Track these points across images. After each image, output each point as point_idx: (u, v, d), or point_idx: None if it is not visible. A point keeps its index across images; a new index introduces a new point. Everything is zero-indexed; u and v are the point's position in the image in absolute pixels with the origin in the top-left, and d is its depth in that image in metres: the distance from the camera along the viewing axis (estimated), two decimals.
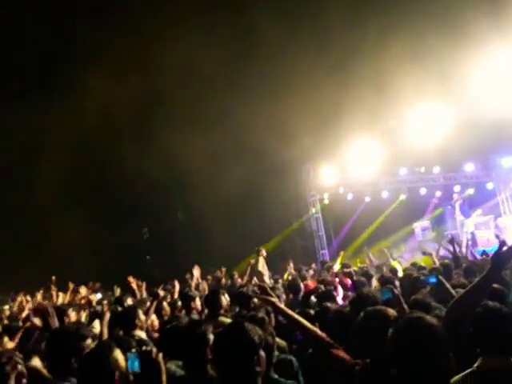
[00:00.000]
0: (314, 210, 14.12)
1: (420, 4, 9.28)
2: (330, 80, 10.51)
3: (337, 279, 5.09)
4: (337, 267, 7.08)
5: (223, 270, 7.23)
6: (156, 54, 11.20)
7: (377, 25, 9.77)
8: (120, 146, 11.99)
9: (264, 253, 7.39)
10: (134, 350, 2.09)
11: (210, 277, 7.63)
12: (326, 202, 14.30)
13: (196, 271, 6.02)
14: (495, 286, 3.37)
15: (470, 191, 15.01)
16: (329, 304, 3.31)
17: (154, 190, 13.25)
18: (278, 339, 3.32)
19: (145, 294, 6.60)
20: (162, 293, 5.15)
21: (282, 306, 2.84)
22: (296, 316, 2.65)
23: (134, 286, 5.11)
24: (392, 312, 2.23)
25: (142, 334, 3.59)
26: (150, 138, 12.56)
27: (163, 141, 11.83)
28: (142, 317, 3.76)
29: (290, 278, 6.30)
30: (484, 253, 7.20)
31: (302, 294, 4.87)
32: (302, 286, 5.11)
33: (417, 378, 1.58)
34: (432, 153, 12.44)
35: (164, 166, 12.38)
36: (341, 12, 9.85)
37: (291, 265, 7.60)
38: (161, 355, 1.90)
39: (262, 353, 1.92)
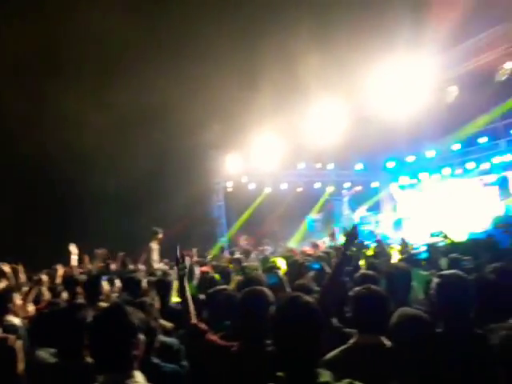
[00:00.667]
0: (217, 198, 14.24)
1: (323, 7, 9.74)
2: (241, 72, 10.62)
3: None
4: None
5: (114, 254, 6.79)
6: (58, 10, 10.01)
7: (283, 22, 10.05)
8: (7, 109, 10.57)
9: (160, 235, 7.13)
10: None
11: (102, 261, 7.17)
12: (230, 190, 14.50)
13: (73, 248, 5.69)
14: (369, 272, 3.78)
15: (358, 189, 16.52)
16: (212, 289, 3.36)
17: (48, 163, 11.94)
18: (165, 322, 3.30)
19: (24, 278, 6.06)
20: (44, 277, 4.75)
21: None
22: (188, 301, 2.67)
23: (6, 269, 4.62)
24: (269, 293, 2.34)
25: (15, 320, 3.28)
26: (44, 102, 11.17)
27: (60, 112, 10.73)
28: (18, 302, 3.46)
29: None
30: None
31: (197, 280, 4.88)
32: (198, 271, 5.15)
33: (293, 353, 1.65)
34: (327, 150, 13.32)
35: (60, 137, 11.24)
36: (248, 6, 9.95)
37: (194, 251, 7.45)
38: (19, 342, 1.75)
39: (141, 336, 1.88)
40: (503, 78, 9.14)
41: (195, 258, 7.24)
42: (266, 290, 2.37)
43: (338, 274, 2.76)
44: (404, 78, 9.67)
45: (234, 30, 10.70)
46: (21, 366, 1.75)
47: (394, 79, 9.83)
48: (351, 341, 2.31)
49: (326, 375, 1.62)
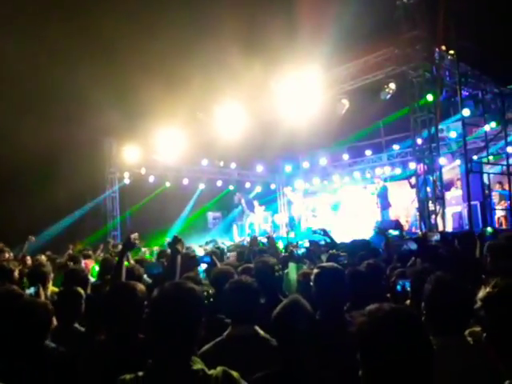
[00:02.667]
0: (111, 189, 13.50)
1: (227, 13, 9.90)
2: (149, 61, 10.25)
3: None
4: None
5: None
6: None
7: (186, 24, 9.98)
8: None
9: (32, 239, 6.55)
10: None
11: None
12: (126, 181, 13.84)
13: None
14: (250, 265, 3.97)
15: (258, 189, 17.10)
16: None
17: None
18: None
19: None
20: None
21: None
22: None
23: None
24: (140, 286, 2.28)
25: None
26: None
27: None
28: None
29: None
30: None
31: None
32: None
33: (167, 339, 1.59)
34: (231, 149, 13.56)
35: None
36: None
37: (71, 246, 6.93)
38: None
39: None
40: (387, 97, 10.30)
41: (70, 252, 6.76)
42: (139, 285, 2.29)
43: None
44: (302, 89, 10.32)
45: (143, 20, 10.28)
46: None
47: (294, 89, 10.44)
48: (225, 333, 2.33)
49: (199, 363, 1.60)
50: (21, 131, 10.13)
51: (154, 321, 1.66)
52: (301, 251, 4.91)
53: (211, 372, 1.57)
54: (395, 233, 5.51)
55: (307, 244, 5.00)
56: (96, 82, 9.94)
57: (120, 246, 7.31)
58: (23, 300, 1.77)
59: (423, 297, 2.05)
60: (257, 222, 15.33)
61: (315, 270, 2.66)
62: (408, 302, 2.84)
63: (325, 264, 2.79)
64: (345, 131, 13.10)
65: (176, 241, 2.78)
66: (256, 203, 15.92)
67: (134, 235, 2.94)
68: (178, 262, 2.75)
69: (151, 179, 14.48)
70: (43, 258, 5.51)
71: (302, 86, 10.33)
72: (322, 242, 5.36)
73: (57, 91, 10.09)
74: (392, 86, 10.29)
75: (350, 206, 15.02)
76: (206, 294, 2.63)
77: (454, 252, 4.38)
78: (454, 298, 1.95)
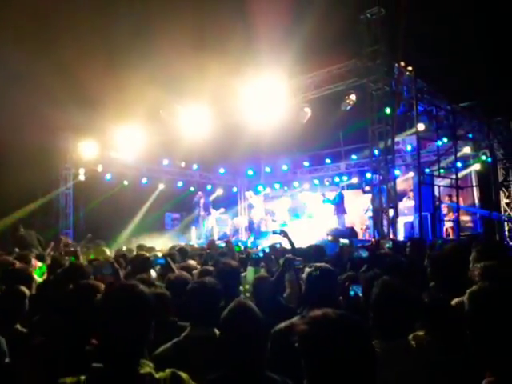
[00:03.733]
0: (65, 185, 12.97)
1: (193, 11, 9.85)
2: (110, 55, 9.96)
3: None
4: None
5: None
6: None
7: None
8: None
9: None
10: None
11: None
12: (81, 178, 13.34)
13: None
14: (209, 268, 3.95)
15: (219, 191, 17.03)
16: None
17: None
18: None
19: None
20: None
21: None
22: None
23: None
24: (99, 284, 2.26)
25: None
26: None
27: None
28: None
29: None
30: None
31: None
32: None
33: (116, 342, 1.55)
34: (193, 150, 13.43)
35: None
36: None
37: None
38: None
39: None
40: (348, 108, 10.59)
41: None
42: (97, 283, 2.27)
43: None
44: (266, 95, 10.42)
45: (105, 12, 10.00)
46: None
47: (258, 95, 10.51)
48: (183, 334, 2.32)
49: (148, 366, 1.55)
50: None
51: (101, 322, 1.60)
52: (259, 254, 4.94)
53: (159, 375, 1.53)
54: (345, 241, 5.71)
55: (267, 249, 5.04)
56: (53, 74, 9.55)
57: (72, 245, 7.06)
58: None
59: (370, 301, 2.09)
60: (212, 225, 15.23)
61: (308, 269, 2.75)
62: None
63: (318, 264, 2.84)
64: (306, 139, 13.34)
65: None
66: (211, 207, 15.82)
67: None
68: None
69: (108, 177, 14.06)
70: None
71: (266, 91, 10.42)
72: (278, 246, 5.42)
73: (10, 82, 9.60)
74: (353, 97, 10.58)
75: (308, 211, 15.27)
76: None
77: (404, 259, 4.56)
78: (400, 302, 2.00)
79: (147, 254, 4.68)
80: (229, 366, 1.87)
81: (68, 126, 11.91)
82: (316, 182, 16.25)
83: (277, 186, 17.18)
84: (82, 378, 1.52)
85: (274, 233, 5.57)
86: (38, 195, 12.66)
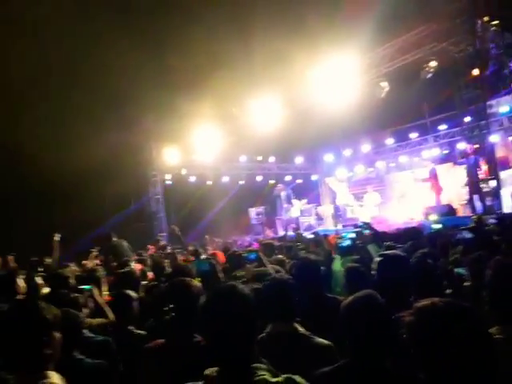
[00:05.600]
0: (154, 191, 13.83)
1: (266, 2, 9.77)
2: (179, 62, 10.34)
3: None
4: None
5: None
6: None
7: (223, 15, 9.93)
8: None
9: (57, 238, 6.50)
10: None
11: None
12: (169, 182, 14.13)
13: None
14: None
15: (298, 181, 16.89)
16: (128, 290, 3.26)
17: None
18: (100, 320, 3.17)
19: None
20: None
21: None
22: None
23: None
24: (195, 283, 2.28)
25: None
26: None
27: None
28: None
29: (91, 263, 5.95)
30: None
31: None
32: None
33: (225, 347, 1.49)
34: (268, 143, 13.46)
35: None
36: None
37: (93, 253, 6.85)
38: None
39: (57, 334, 1.76)
40: (428, 76, 9.76)
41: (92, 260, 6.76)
42: (193, 282, 2.30)
43: None
44: (339, 73, 9.99)
45: (172, 20, 10.40)
46: None
47: (331, 75, 10.13)
48: (266, 331, 2.27)
49: (263, 370, 1.47)
50: (70, 139, 10.63)
51: (207, 326, 1.56)
52: (346, 243, 4.73)
53: (274, 380, 1.45)
54: (438, 226, 5.28)
55: (352, 235, 4.80)
56: (137, 89, 10.20)
57: (168, 248, 7.46)
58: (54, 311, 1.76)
59: (485, 284, 1.95)
60: (296, 217, 15.13)
61: (377, 258, 2.60)
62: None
63: (387, 252, 2.70)
64: (387, 115, 12.58)
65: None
66: (293, 198, 15.72)
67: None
68: None
69: (192, 179, 14.70)
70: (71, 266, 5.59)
71: (338, 71, 10.01)
72: (366, 232, 5.14)
73: (96, 99, 10.43)
74: (433, 64, 9.74)
75: (397, 192, 14.48)
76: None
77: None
78: None
79: (240, 251, 4.75)
80: (349, 356, 1.82)
81: (152, 135, 12.68)
82: (402, 159, 15.27)
83: (360, 168, 16.44)
84: (200, 383, 1.49)
85: (357, 227, 5.26)
86: (132, 202, 13.69)
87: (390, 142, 15.42)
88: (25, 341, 1.66)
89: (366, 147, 15.60)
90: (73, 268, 5.47)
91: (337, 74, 10.07)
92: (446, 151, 13.67)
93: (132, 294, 3.20)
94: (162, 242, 8.62)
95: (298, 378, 1.50)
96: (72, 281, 3.93)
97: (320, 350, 2.14)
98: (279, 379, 1.46)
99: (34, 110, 10.29)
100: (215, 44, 9.85)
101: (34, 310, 1.71)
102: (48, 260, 6.34)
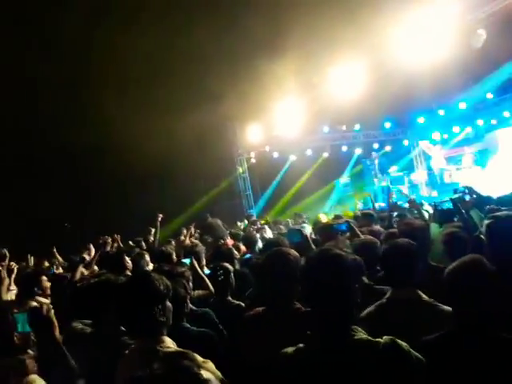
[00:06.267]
0: (241, 169, 14.20)
1: None
2: (256, 38, 10.30)
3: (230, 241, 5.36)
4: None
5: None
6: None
7: None
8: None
9: (159, 218, 6.89)
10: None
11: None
12: (253, 160, 14.41)
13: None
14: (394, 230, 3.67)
15: (388, 148, 16.06)
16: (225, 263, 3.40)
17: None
18: (201, 292, 3.39)
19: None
20: (87, 256, 4.93)
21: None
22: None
23: None
24: (293, 252, 2.30)
25: (44, 301, 3.42)
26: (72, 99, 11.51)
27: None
28: (46, 284, 3.61)
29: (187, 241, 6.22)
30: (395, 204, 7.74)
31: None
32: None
33: (326, 307, 1.54)
34: (352, 111, 12.89)
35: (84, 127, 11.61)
36: None
37: (184, 232, 7.14)
38: (52, 311, 1.82)
39: (168, 303, 1.91)
40: None
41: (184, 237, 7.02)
42: (290, 250, 2.33)
43: None
44: (428, 24, 9.08)
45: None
46: (56, 333, 1.85)
47: (417, 26, 9.25)
48: (385, 296, 2.28)
49: (361, 332, 1.53)
50: (158, 127, 11.35)
51: (307, 290, 1.64)
52: (446, 206, 4.37)
53: (377, 340, 1.49)
54: None
55: (449, 204, 4.39)
56: (215, 69, 10.44)
57: (259, 222, 7.68)
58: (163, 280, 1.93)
59: None
60: (388, 186, 14.45)
61: (487, 221, 2.42)
62: None
63: (499, 213, 2.49)
64: (485, 67, 11.23)
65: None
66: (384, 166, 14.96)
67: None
68: None
69: (275, 155, 14.76)
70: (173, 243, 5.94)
71: (428, 23, 9.08)
72: (467, 198, 4.68)
73: (177, 81, 10.88)
74: None
75: (503, 153, 12.98)
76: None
77: None
78: None
79: (330, 222, 4.68)
80: (454, 323, 1.79)
81: (235, 114, 12.94)
82: (507, 114, 13.57)
83: (456, 129, 14.96)
84: (301, 346, 1.56)
85: (456, 191, 4.77)
86: (221, 181, 14.27)
87: (490, 96, 13.78)
88: (142, 309, 1.81)
89: (462, 104, 14.13)
90: (173, 245, 5.90)
91: (426, 27, 9.16)
92: None
93: (228, 266, 3.36)
94: (253, 218, 8.87)
95: (403, 343, 1.49)
96: (174, 257, 4.25)
97: (444, 317, 2.05)
98: (383, 340, 1.48)
99: (124, 106, 11.09)
100: (293, 13, 9.61)
101: (149, 281, 1.86)
102: (150, 238, 6.93)
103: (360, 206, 13.28)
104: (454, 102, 14.20)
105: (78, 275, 3.84)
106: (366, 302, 2.28)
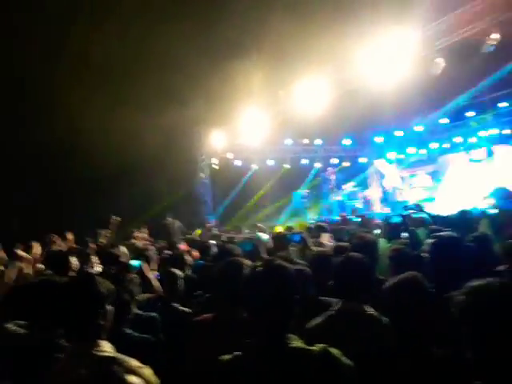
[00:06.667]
0: (203, 175, 14.10)
1: None
2: (225, 45, 10.36)
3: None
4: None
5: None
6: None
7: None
8: None
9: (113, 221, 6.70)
10: None
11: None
12: (216, 167, 14.36)
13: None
14: (345, 244, 3.77)
15: (345, 164, 16.52)
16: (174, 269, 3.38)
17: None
18: (150, 295, 3.32)
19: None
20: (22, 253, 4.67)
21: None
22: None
23: None
24: (247, 261, 2.32)
25: None
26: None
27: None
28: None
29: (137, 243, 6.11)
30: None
31: None
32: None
33: (264, 317, 1.58)
34: (315, 125, 13.19)
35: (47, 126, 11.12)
36: None
37: (137, 234, 6.98)
38: None
39: (110, 307, 1.86)
40: (489, 50, 9.05)
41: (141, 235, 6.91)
42: (245, 260, 2.34)
43: None
44: (390, 50, 9.50)
45: (217, 2, 10.40)
46: None
47: (380, 51, 9.65)
48: (335, 308, 2.31)
49: (297, 340, 1.57)
50: (123, 128, 11.07)
51: (249, 299, 1.67)
52: (395, 220, 4.54)
53: (311, 348, 1.53)
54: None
55: (398, 218, 4.58)
56: (182, 74, 10.36)
57: (215, 230, 7.66)
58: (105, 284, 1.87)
59: None
60: (342, 201, 14.85)
61: (430, 240, 2.56)
62: None
63: (442, 233, 2.64)
64: (441, 93, 11.87)
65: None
66: (340, 182, 15.38)
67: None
68: None
69: (238, 163, 14.80)
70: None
71: (390, 49, 9.51)
72: (415, 216, 4.90)
73: (143, 82, 10.71)
74: (495, 36, 9.01)
75: (452, 175, 13.72)
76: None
77: None
78: None
79: (284, 232, 4.74)
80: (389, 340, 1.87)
81: (201, 119, 12.88)
82: (458, 140, 14.42)
83: (411, 150, 15.73)
84: (238, 353, 1.59)
85: (407, 208, 5.00)
86: (182, 186, 14.07)
87: (444, 121, 14.59)
88: (81, 312, 1.76)
89: (418, 127, 14.87)
90: (124, 247, 5.73)
91: (388, 52, 9.57)
92: (508, 131, 12.72)
93: (177, 271, 3.32)
94: (210, 224, 8.82)
95: (335, 350, 1.54)
96: (123, 259, 4.14)
97: (389, 330, 2.11)
98: (316, 348, 1.53)
99: (85, 103, 10.76)
100: (261, 27, 9.74)
101: (91, 284, 1.81)
102: (102, 240, 6.70)
103: (315, 217, 13.56)
104: (410, 124, 14.91)
105: (12, 274, 3.63)
106: (312, 313, 2.33)
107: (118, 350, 1.83)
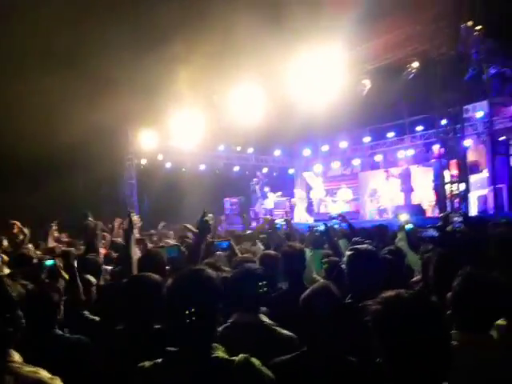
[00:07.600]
0: (129, 175, 13.56)
1: None
2: (161, 44, 10.09)
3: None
4: None
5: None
6: None
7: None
8: None
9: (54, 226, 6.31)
10: None
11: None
12: (143, 167, 13.90)
13: None
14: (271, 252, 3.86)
15: (274, 174, 16.91)
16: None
17: None
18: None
19: None
20: None
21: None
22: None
23: None
24: (154, 276, 2.27)
25: None
26: None
27: None
28: None
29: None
30: None
31: None
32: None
33: (188, 325, 1.55)
34: (248, 134, 13.37)
35: None
36: None
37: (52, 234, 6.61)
38: None
39: (19, 312, 1.70)
40: (410, 77, 9.91)
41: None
42: (152, 275, 2.28)
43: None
44: (322, 69, 9.98)
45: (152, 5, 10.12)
46: None
47: (313, 69, 10.10)
48: (230, 320, 2.31)
49: (220, 350, 1.57)
50: (43, 122, 10.23)
51: (171, 307, 1.64)
52: (320, 229, 4.70)
53: (233, 358, 1.53)
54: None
55: (322, 227, 4.77)
56: (113, 69, 9.88)
57: (136, 232, 7.35)
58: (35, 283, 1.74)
59: (452, 292, 1.96)
60: (270, 208, 15.19)
61: (348, 252, 2.64)
62: None
63: (359, 246, 2.72)
64: (366, 113, 12.71)
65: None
66: (268, 190, 15.73)
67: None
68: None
69: (168, 165, 14.49)
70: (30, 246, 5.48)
71: (321, 66, 10.00)
72: (337, 227, 5.17)
73: (69, 77, 10.07)
74: (415, 65, 9.89)
75: (368, 189, 14.70)
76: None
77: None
78: (486, 299, 1.84)
79: (212, 239, 4.70)
80: (307, 346, 1.90)
81: (128, 117, 12.36)
82: (378, 158, 15.53)
83: (336, 164, 16.64)
84: (159, 361, 1.57)
85: (332, 218, 5.27)
86: (105, 184, 13.36)
87: (367, 139, 15.64)
88: None
89: (343, 144, 15.78)
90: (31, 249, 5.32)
91: (318, 70, 10.05)
92: (421, 152, 13.99)
93: (91, 279, 3.17)
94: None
95: (255, 360, 1.56)
96: (35, 260, 3.84)
97: (281, 341, 2.18)
98: (236, 358, 1.53)
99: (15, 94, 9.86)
100: (196, 29, 9.67)
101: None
102: (17, 239, 6.16)
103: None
104: (336, 140, 15.78)
105: None
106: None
107: (51, 352, 1.70)
